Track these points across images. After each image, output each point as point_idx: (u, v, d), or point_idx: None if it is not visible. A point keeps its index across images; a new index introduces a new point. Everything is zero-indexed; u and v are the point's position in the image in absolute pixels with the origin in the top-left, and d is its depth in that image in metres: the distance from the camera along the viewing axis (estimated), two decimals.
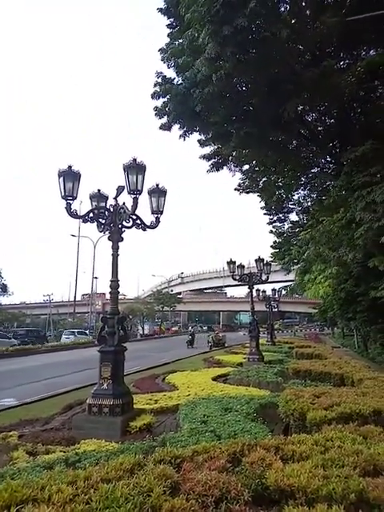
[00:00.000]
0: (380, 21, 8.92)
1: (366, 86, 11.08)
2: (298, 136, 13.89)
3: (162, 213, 6.46)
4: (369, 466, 2.58)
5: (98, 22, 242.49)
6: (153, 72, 12.63)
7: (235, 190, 18.25)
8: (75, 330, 37.97)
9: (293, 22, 10.01)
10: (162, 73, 12.45)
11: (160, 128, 13.18)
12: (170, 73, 12.78)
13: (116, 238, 6.37)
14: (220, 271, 78.73)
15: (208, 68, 9.61)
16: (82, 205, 8.20)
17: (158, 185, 6.46)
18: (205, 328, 73.49)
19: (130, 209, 6.29)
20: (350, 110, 12.84)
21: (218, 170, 15.54)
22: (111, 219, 6.39)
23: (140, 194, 6.23)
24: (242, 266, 14.62)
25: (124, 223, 6.35)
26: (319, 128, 14.35)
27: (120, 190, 6.45)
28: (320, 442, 3.03)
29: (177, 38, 12.16)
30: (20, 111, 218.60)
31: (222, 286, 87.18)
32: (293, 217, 21.33)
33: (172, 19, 12.47)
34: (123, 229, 6.41)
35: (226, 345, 27.87)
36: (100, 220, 6.47)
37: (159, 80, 12.38)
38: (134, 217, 6.34)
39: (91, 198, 6.81)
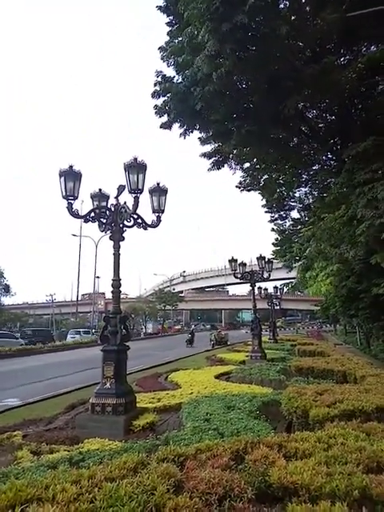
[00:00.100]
0: (380, 16, 8.87)
1: (367, 82, 11.02)
2: (298, 133, 13.85)
3: (163, 212, 6.47)
4: (372, 462, 2.58)
5: (97, 22, 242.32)
6: (153, 71, 12.62)
7: (236, 187, 18.23)
8: (80, 330, 38.61)
9: (293, 18, 9.97)
10: (161, 72, 12.44)
11: (160, 127, 13.17)
12: (170, 72, 12.77)
13: (117, 238, 6.38)
14: (222, 269, 78.65)
15: (208, 66, 9.59)
16: (84, 204, 8.22)
17: (158, 184, 6.46)
18: (208, 326, 73.45)
19: (131, 208, 6.29)
20: (351, 107, 12.79)
21: (218, 169, 15.52)
22: (112, 219, 6.39)
23: (141, 193, 6.23)
24: (243, 264, 14.62)
25: (125, 222, 6.36)
26: (320, 125, 14.30)
27: (121, 189, 6.45)
28: (323, 439, 3.04)
29: (176, 36, 12.13)
30: (20, 111, 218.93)
31: (223, 285, 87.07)
32: (294, 214, 21.33)
33: (171, 17, 12.43)
34: (124, 228, 6.41)
35: (229, 343, 27.88)
36: (101, 219, 6.48)
37: (159, 79, 12.36)
38: (135, 216, 6.34)
39: (92, 197, 6.81)
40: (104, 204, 6.65)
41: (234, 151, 14.67)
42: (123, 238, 6.45)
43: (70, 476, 2.40)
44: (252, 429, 4.44)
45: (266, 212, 21.09)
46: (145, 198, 6.40)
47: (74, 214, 6.23)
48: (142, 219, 6.40)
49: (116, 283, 6.33)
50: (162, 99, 12.44)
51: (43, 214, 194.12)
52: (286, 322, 75.25)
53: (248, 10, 8.25)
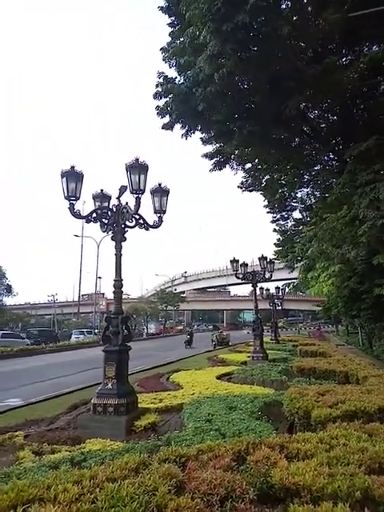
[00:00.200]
0: (382, 16, 8.85)
1: (369, 82, 11.02)
2: (300, 133, 13.84)
3: (164, 212, 6.46)
4: (374, 463, 2.58)
5: (97, 22, 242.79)
6: (153, 71, 12.68)
7: (238, 188, 18.22)
8: (84, 330, 39.34)
9: (294, 18, 9.96)
10: (163, 73, 12.45)
11: (162, 128, 13.18)
12: (172, 72, 12.82)
13: (119, 238, 6.38)
14: (223, 270, 78.66)
15: (210, 66, 9.59)
16: (85, 205, 8.23)
17: (160, 184, 6.46)
18: (210, 327, 73.42)
19: (132, 208, 6.29)
20: (353, 107, 12.78)
21: (220, 169, 15.52)
22: (114, 219, 6.40)
23: (143, 193, 6.23)
24: (245, 265, 14.61)
25: (127, 223, 6.36)
26: (322, 125, 14.29)
27: (123, 189, 6.46)
28: (325, 440, 3.03)
29: (178, 36, 12.13)
30: (20, 111, 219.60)
31: (225, 285, 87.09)
32: (296, 214, 21.31)
33: (173, 18, 12.44)
34: (126, 229, 6.42)
35: (230, 343, 27.85)
36: (103, 220, 6.48)
37: (161, 80, 12.37)
38: (137, 216, 6.34)
39: (94, 198, 6.82)
40: (106, 204, 6.66)
41: (236, 152, 14.66)
42: (125, 239, 6.45)
43: (71, 476, 2.40)
44: (254, 429, 4.44)
45: (267, 212, 21.09)
46: (146, 198, 6.41)
47: (76, 215, 6.23)
48: (144, 220, 6.40)
49: (118, 284, 6.33)
50: (163, 100, 12.45)
51: (44, 214, 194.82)
52: (288, 322, 75.17)
53: (249, 10, 8.25)
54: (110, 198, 6.73)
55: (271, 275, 15.07)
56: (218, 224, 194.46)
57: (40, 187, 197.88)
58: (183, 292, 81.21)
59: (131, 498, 2.09)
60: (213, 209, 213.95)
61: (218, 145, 14.69)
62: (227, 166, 15.68)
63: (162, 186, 6.46)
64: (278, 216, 21.36)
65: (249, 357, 14.04)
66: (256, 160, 15.95)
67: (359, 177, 10.05)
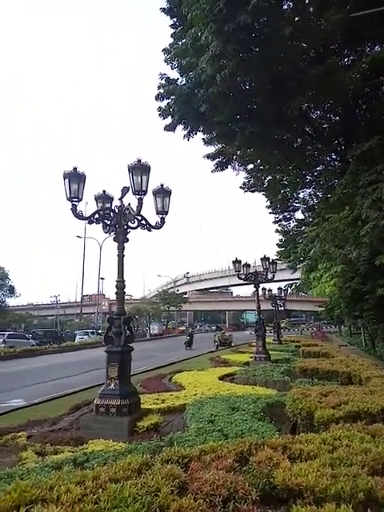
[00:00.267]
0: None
1: (371, 82, 11.00)
2: (302, 134, 13.83)
3: (166, 213, 6.47)
4: (377, 464, 2.57)
5: (98, 22, 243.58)
6: (153, 72, 12.86)
7: (240, 188, 18.22)
8: (88, 331, 39.85)
9: (296, 19, 9.97)
10: (165, 74, 12.49)
11: (165, 129, 13.20)
12: (174, 74, 12.81)
13: (121, 239, 6.39)
14: (225, 270, 78.59)
15: (212, 67, 9.60)
16: (88, 206, 8.25)
17: (162, 185, 6.47)
18: (213, 327, 73.27)
19: (134, 209, 6.30)
20: (355, 107, 12.75)
21: (222, 170, 15.52)
22: (116, 220, 6.41)
23: (145, 194, 6.24)
24: (247, 265, 14.59)
25: (129, 224, 6.37)
26: (324, 125, 14.28)
27: (125, 190, 6.47)
28: (328, 440, 3.02)
29: (180, 37, 12.16)
30: (20, 111, 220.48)
31: (227, 286, 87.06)
32: (298, 215, 21.27)
33: (175, 19, 12.47)
34: (128, 230, 6.43)
35: (233, 344, 27.82)
36: (105, 221, 6.49)
37: (163, 82, 12.40)
38: (139, 217, 6.35)
39: (96, 199, 6.84)
40: (108, 205, 6.67)
41: (238, 152, 14.67)
42: (127, 240, 6.46)
43: (74, 477, 2.40)
44: (256, 430, 4.43)
45: (270, 213, 21.06)
46: (149, 199, 6.42)
47: (79, 216, 6.25)
48: (146, 220, 6.41)
49: (120, 284, 6.34)
50: (165, 101, 12.48)
51: (44, 214, 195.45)
52: (291, 322, 75.03)
53: (251, 11, 8.26)
54: (112, 198, 6.75)
55: (273, 276, 15.04)
56: (218, 224, 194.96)
57: (40, 187, 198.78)
58: (185, 293, 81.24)
59: (134, 499, 2.09)
60: (213, 209, 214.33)
61: (220, 145, 14.70)
62: (229, 166, 15.68)
63: (164, 186, 6.47)
64: (281, 216, 21.32)
65: (251, 357, 14.01)
66: (258, 161, 15.95)
67: (361, 177, 10.02)
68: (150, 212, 6.47)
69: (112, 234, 6.55)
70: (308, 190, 18.79)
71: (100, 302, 49.78)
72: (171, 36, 12.67)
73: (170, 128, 13.06)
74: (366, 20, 9.11)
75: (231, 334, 34.77)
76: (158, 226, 6.46)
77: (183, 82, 12.33)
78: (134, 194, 6.27)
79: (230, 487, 2.29)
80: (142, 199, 6.24)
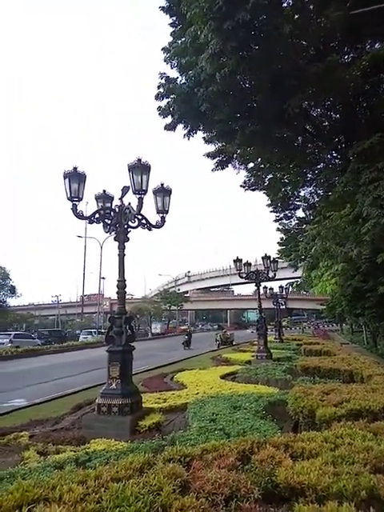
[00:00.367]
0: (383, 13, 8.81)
1: (371, 79, 10.97)
2: (303, 132, 13.81)
3: (167, 212, 6.46)
4: (379, 462, 2.56)
5: (98, 22, 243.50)
6: (153, 71, 12.87)
7: (240, 187, 18.22)
8: (92, 330, 40.31)
9: (296, 17, 9.94)
10: (165, 73, 12.46)
11: (165, 128, 13.18)
12: (173, 73, 12.80)
13: (122, 239, 6.39)
14: (226, 269, 78.58)
15: (211, 65, 9.59)
16: (88, 205, 8.24)
17: (162, 184, 6.46)
18: (215, 326, 73.22)
19: (135, 209, 6.30)
20: (356, 105, 12.73)
21: (222, 168, 15.51)
22: (117, 219, 6.40)
23: (145, 193, 6.23)
24: (248, 264, 14.58)
25: (130, 223, 6.36)
26: (324, 123, 14.26)
27: (125, 190, 6.46)
28: (330, 439, 3.02)
29: (179, 36, 12.14)
30: (20, 111, 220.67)
31: (228, 285, 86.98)
32: (299, 213, 21.27)
33: (174, 18, 12.45)
34: (129, 229, 6.42)
35: (234, 343, 27.81)
36: (106, 221, 6.49)
37: (162, 81, 12.38)
38: (140, 217, 6.34)
39: (97, 198, 6.83)
40: (108, 205, 6.67)
41: (238, 151, 14.66)
42: (128, 239, 6.46)
43: (76, 476, 2.41)
44: (258, 429, 4.42)
45: (271, 212, 21.08)
46: (149, 198, 6.41)
47: (79, 216, 6.24)
48: (147, 220, 6.40)
49: (121, 284, 6.34)
50: (165, 101, 12.46)
51: (45, 214, 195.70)
52: (292, 321, 75.08)
53: (250, 8, 8.24)
54: (112, 198, 6.74)
55: (275, 274, 15.02)
56: (218, 223, 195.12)
57: (40, 187, 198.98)
58: (187, 292, 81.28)
59: (136, 498, 2.09)
60: (213, 208, 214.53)
61: (220, 144, 14.68)
62: (229, 165, 15.68)
63: (165, 185, 6.46)
64: (282, 215, 21.33)
65: (253, 356, 14.02)
66: (259, 159, 15.94)
67: (362, 175, 10.00)
68: (150, 211, 6.47)
69: (112, 233, 6.55)
70: (309, 189, 18.78)
71: (101, 302, 49.80)
72: (170, 35, 12.66)
73: (170, 127, 13.05)
74: (365, 17, 9.07)
75: (233, 332, 34.76)
76: (159, 226, 6.45)
77: (183, 81, 12.31)
78: (134, 193, 6.26)
79: (232, 486, 2.29)
80: (142, 198, 6.24)
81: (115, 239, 6.45)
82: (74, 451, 4.45)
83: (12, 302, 50.68)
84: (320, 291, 23.64)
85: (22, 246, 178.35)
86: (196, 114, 12.00)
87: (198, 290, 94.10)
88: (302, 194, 19.37)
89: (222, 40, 8.89)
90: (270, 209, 20.76)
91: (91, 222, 6.45)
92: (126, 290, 6.44)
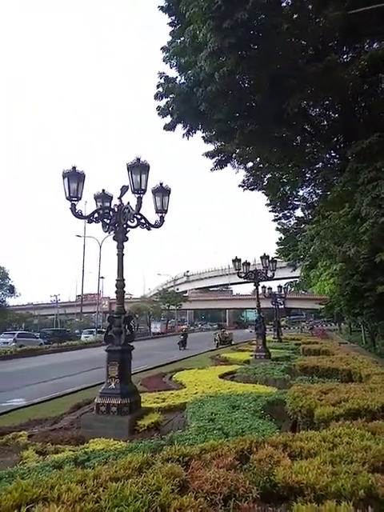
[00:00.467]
0: (382, 13, 8.82)
1: (370, 79, 10.98)
2: (301, 131, 13.81)
3: (166, 212, 6.46)
4: (378, 461, 2.57)
5: (98, 21, 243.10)
6: (153, 72, 12.84)
7: (239, 187, 18.20)
8: (93, 330, 40.82)
9: (295, 16, 9.93)
10: (164, 73, 12.44)
11: (164, 128, 13.16)
12: (173, 73, 12.78)
13: (121, 238, 6.39)
14: (225, 269, 78.64)
15: (210, 65, 9.58)
16: (87, 205, 8.23)
17: (161, 184, 6.45)
18: (214, 326, 73.21)
19: (134, 208, 6.29)
20: (354, 104, 12.73)
21: (221, 168, 15.50)
22: (116, 219, 6.40)
23: (144, 193, 6.22)
24: (247, 264, 14.60)
25: (129, 223, 6.36)
26: (323, 123, 14.26)
27: (124, 189, 6.46)
28: (328, 438, 3.02)
29: (178, 35, 12.13)
30: (20, 111, 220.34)
31: (227, 284, 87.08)
32: (298, 213, 21.27)
33: (173, 17, 12.42)
34: (128, 228, 6.42)
35: (233, 342, 27.83)
36: (105, 220, 6.49)
37: (162, 80, 12.36)
38: (139, 216, 6.34)
39: (96, 198, 6.82)
40: (107, 204, 6.67)
41: (237, 150, 14.65)
42: (127, 239, 6.46)
43: (75, 476, 2.41)
44: (257, 428, 4.43)
45: (270, 211, 21.06)
46: (148, 198, 6.41)
47: (78, 215, 6.24)
48: (146, 219, 6.40)
49: (120, 283, 6.34)
50: (164, 100, 12.44)
51: (44, 214, 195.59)
52: (291, 320, 75.17)
53: (250, 8, 8.24)
54: (111, 198, 6.73)
55: (273, 274, 15.04)
56: (217, 223, 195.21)
57: (40, 187, 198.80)
58: (185, 291, 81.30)
59: (135, 498, 2.10)
60: (212, 208, 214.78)
61: (219, 144, 14.68)
62: (228, 164, 15.67)
63: (164, 185, 6.46)
64: (280, 215, 21.32)
65: (251, 356, 14.03)
66: (257, 159, 15.93)
67: (361, 174, 10.01)
68: (149, 211, 6.47)
69: (111, 233, 6.55)
70: (307, 188, 18.78)
71: (100, 301, 49.80)
72: (170, 34, 12.64)
73: (170, 127, 13.03)
74: (364, 17, 9.08)
75: (231, 332, 34.80)
76: (158, 225, 6.45)
77: (182, 81, 12.30)
78: (133, 192, 6.26)
79: (230, 485, 2.30)
80: (141, 198, 6.23)
81: (114, 239, 6.45)
82: (73, 451, 4.45)
83: (11, 301, 50.59)
84: (318, 291, 23.66)
85: (21, 246, 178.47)
86: (195, 114, 11.99)
87: (196, 289, 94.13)
88: (300, 193, 19.38)
89: (220, 38, 8.89)
90: (269, 208, 20.76)
91: (90, 222, 6.45)
92: (124, 289, 6.45)
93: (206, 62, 9.56)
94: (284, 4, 10.20)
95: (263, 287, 21.11)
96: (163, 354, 21.56)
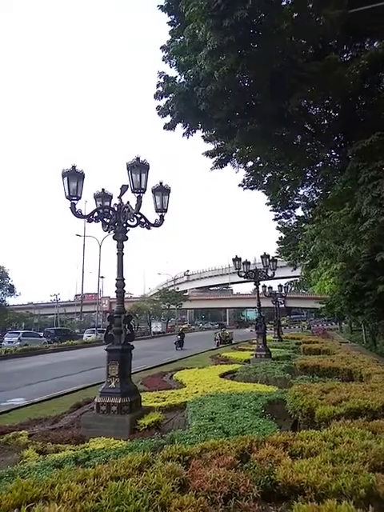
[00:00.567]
0: (382, 12, 8.81)
1: (370, 78, 10.97)
2: (302, 131, 13.80)
3: (166, 211, 6.45)
4: (378, 461, 2.57)
5: (98, 21, 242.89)
6: (153, 72, 12.71)
7: (239, 186, 18.19)
8: (95, 329, 40.78)
9: (295, 15, 9.91)
10: (164, 72, 12.41)
11: (164, 128, 13.13)
12: (173, 72, 12.76)
13: (121, 237, 6.38)
14: (226, 268, 78.67)
15: (210, 63, 9.56)
16: (87, 204, 8.22)
17: (161, 183, 6.44)
18: (215, 325, 73.18)
19: (134, 207, 6.28)
20: (355, 103, 12.71)
21: (221, 167, 15.49)
22: (116, 218, 6.40)
23: (144, 192, 6.22)
24: (247, 263, 14.59)
25: (128, 222, 6.35)
26: (323, 122, 14.24)
27: (124, 188, 6.45)
28: (329, 437, 3.02)
29: (178, 34, 12.12)
30: (20, 110, 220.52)
31: (228, 283, 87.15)
32: (299, 212, 21.27)
33: (173, 16, 12.41)
34: (128, 228, 6.41)
35: (233, 341, 27.84)
36: (105, 219, 6.48)
37: (161, 80, 12.33)
38: (139, 215, 6.33)
39: (95, 197, 6.82)
40: (107, 204, 6.66)
41: (237, 150, 14.63)
42: (127, 238, 6.45)
43: (75, 475, 2.41)
44: (257, 427, 4.43)
45: (270, 210, 21.06)
46: (148, 197, 6.40)
47: (78, 214, 6.23)
48: (145, 219, 6.40)
49: (120, 283, 6.33)
50: (164, 100, 12.42)
51: (44, 213, 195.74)
52: (291, 320, 75.17)
53: (250, 7, 8.22)
54: (111, 197, 6.73)
55: (274, 273, 15.03)
56: (217, 223, 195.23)
57: (40, 187, 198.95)
58: (186, 291, 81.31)
59: (135, 497, 2.09)
60: (212, 207, 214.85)
61: (219, 143, 14.66)
62: (228, 164, 15.65)
63: (164, 184, 6.45)
64: (281, 214, 21.31)
65: (252, 355, 14.03)
66: (258, 158, 15.91)
67: (361, 174, 9.99)
68: (149, 210, 6.47)
69: (111, 232, 6.54)
70: (308, 187, 18.77)
71: (100, 301, 49.83)
72: (169, 33, 12.62)
73: (170, 127, 12.99)
74: (364, 16, 9.07)
75: (232, 331, 34.80)
76: (158, 224, 6.44)
77: (182, 80, 12.27)
78: (133, 191, 6.25)
79: (231, 484, 2.30)
80: (141, 197, 6.22)
81: (114, 238, 6.45)
82: (73, 450, 4.45)
83: (11, 301, 50.67)
84: (319, 290, 23.64)
85: (21, 245, 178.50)
86: (195, 113, 11.96)
87: (197, 288, 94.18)
88: (301, 192, 19.37)
89: (220, 37, 8.87)
90: (270, 207, 20.76)
91: (90, 221, 6.44)
92: (124, 288, 6.44)
93: (206, 60, 9.54)
94: (284, 2, 10.19)
95: (264, 286, 21.10)
96: (163, 353, 21.57)
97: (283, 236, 23.94)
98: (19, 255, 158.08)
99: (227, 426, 4.54)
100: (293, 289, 32.78)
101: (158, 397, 7.48)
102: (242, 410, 5.39)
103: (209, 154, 15.13)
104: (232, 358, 14.91)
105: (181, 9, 10.13)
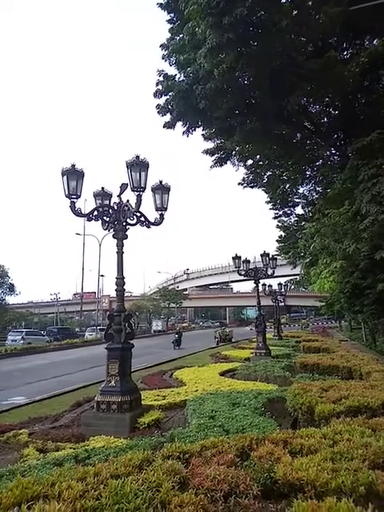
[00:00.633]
0: (382, 10, 8.79)
1: (370, 76, 10.96)
2: (301, 129, 13.79)
3: (165, 209, 6.44)
4: (378, 458, 2.57)
5: (97, 21, 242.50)
6: (152, 71, 12.66)
7: (239, 184, 18.17)
8: (97, 328, 40.96)
9: (295, 13, 9.89)
10: (163, 70, 12.38)
11: (164, 126, 13.10)
12: (172, 70, 12.72)
13: (120, 236, 6.38)
14: (225, 267, 78.64)
15: (209, 61, 9.54)
16: (87, 203, 8.22)
17: (161, 182, 6.43)
18: (216, 323, 73.12)
19: (133, 206, 6.28)
20: (354, 101, 12.70)
21: (221, 166, 15.48)
22: (115, 217, 6.39)
23: (143, 191, 6.20)
24: (247, 261, 14.58)
25: (128, 220, 6.35)
26: (323, 120, 14.23)
27: (124, 187, 6.44)
28: (328, 435, 3.03)
29: (177, 32, 12.08)
30: (20, 109, 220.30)
31: (227, 282, 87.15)
32: (298, 210, 21.26)
33: (172, 14, 12.38)
34: (127, 226, 6.41)
35: (233, 340, 27.85)
36: (104, 218, 6.47)
37: (161, 78, 12.30)
38: (138, 214, 6.32)
39: (95, 196, 6.81)
40: (107, 202, 6.65)
41: (237, 148, 14.62)
42: (126, 237, 6.45)
43: (75, 473, 2.41)
44: (257, 425, 4.43)
45: (270, 209, 21.05)
46: (147, 196, 6.39)
47: (77, 213, 6.22)
48: (145, 217, 6.39)
49: (119, 281, 6.33)
50: (164, 98, 12.39)
51: (44, 212, 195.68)
52: (291, 318, 75.20)
53: (249, 4, 8.20)
54: (110, 195, 6.72)
55: (273, 271, 15.03)
56: (217, 221, 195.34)
57: (40, 186, 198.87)
58: (186, 289, 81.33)
59: (135, 495, 2.10)
60: (212, 206, 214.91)
61: (219, 141, 14.65)
62: (228, 162, 15.65)
63: (163, 183, 6.44)
64: (281, 212, 21.31)
65: (252, 353, 14.05)
66: (257, 156, 15.91)
67: (361, 172, 9.99)
68: (149, 209, 6.46)
69: (111, 230, 6.53)
70: (308, 186, 18.76)
71: (100, 299, 49.86)
72: (169, 31, 12.59)
73: (170, 125, 12.97)
74: (364, 13, 9.05)
75: (232, 329, 34.83)
76: (157, 223, 6.43)
77: (181, 78, 12.25)
78: (132, 190, 6.23)
79: (231, 482, 2.30)
80: (140, 196, 6.21)
81: (114, 236, 6.44)
82: (74, 448, 4.45)
83: (11, 299, 50.70)
84: (319, 288, 23.66)
85: (20, 244, 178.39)
86: (195, 111, 11.94)
87: (197, 287, 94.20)
88: (300, 190, 19.38)
89: (219, 34, 8.85)
90: (269, 206, 20.75)
91: (90, 220, 6.43)
92: (124, 287, 6.44)
93: (206, 58, 9.52)
94: (284, 0, 10.16)
95: (263, 285, 21.10)
96: (164, 351, 21.59)
97: (283, 234, 23.94)
98: (19, 254, 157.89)
99: (227, 424, 4.55)
100: (293, 287, 32.87)
101: (158, 395, 7.49)
102: (242, 408, 5.40)
103: (208, 152, 15.12)
104: (232, 356, 14.93)
105: (180, 7, 10.11)
